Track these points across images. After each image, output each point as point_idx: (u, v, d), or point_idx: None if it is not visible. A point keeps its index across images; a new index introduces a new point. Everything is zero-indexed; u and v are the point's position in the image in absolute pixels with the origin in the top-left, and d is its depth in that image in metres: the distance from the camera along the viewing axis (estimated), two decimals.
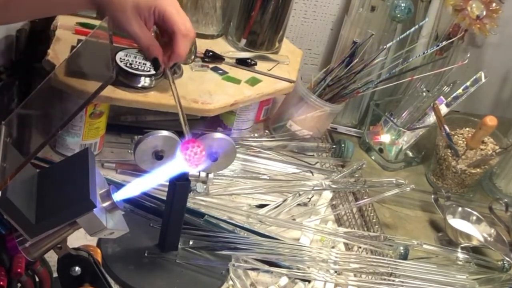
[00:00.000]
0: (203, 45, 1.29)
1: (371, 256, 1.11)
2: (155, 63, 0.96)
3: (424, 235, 1.27)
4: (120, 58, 1.15)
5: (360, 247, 1.15)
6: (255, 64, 1.32)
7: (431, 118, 1.39)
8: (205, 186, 1.15)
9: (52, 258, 0.78)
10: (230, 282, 1.02)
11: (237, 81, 1.26)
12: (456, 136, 1.39)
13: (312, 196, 1.24)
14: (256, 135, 1.35)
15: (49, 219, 0.72)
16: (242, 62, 1.31)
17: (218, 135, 0.95)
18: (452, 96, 1.38)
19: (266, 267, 1.04)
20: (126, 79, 1.13)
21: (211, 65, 1.28)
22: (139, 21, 0.93)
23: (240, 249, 1.04)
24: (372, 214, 1.24)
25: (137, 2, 0.92)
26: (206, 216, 1.09)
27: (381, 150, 1.44)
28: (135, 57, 1.16)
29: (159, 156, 0.94)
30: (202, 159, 0.89)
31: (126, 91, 1.13)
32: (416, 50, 1.43)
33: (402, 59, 1.40)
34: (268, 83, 1.29)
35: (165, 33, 0.98)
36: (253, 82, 1.28)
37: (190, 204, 1.08)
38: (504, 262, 1.20)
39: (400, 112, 1.42)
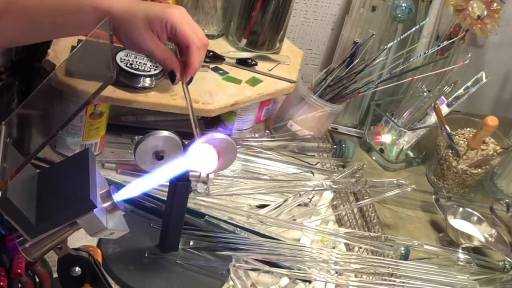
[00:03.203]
0: None
1: (372, 257, 1.11)
2: (172, 76, 0.96)
3: (425, 235, 1.27)
4: (121, 58, 1.15)
5: (361, 248, 1.15)
6: (256, 64, 1.32)
7: (432, 118, 1.39)
8: (205, 187, 1.14)
9: (52, 258, 0.78)
10: (231, 283, 1.02)
11: (237, 81, 1.26)
12: (457, 136, 1.39)
13: (313, 197, 1.24)
14: (256, 135, 1.34)
15: (50, 219, 0.72)
16: (242, 62, 1.31)
17: (219, 135, 0.95)
18: (453, 96, 1.38)
19: (267, 268, 1.04)
20: (126, 79, 1.13)
21: (211, 65, 1.28)
22: (152, 36, 0.92)
23: (241, 250, 1.04)
24: (373, 214, 1.24)
25: (147, 16, 0.91)
26: (206, 216, 1.09)
27: (382, 150, 1.43)
28: (136, 57, 1.16)
29: (159, 156, 0.93)
30: (215, 160, 0.90)
31: (126, 91, 1.13)
32: (417, 50, 1.43)
33: (403, 59, 1.40)
34: (269, 83, 1.29)
35: (178, 45, 0.97)
36: (253, 82, 1.27)
37: (190, 204, 1.08)
38: (505, 263, 1.19)
39: (401, 112, 1.42)
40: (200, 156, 0.90)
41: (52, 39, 1.10)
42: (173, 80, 0.96)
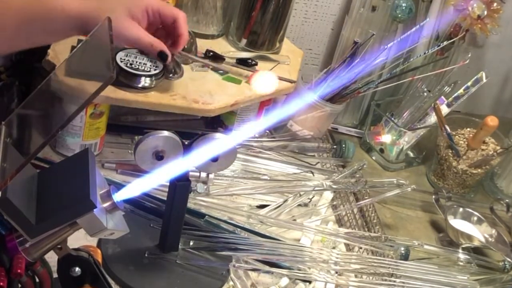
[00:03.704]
0: (203, 45, 1.29)
1: (372, 257, 1.11)
2: (162, 56, 0.98)
3: (425, 235, 1.27)
4: (121, 58, 1.15)
5: (361, 248, 1.15)
6: (256, 64, 1.32)
7: (432, 118, 1.39)
8: (205, 187, 1.14)
9: (52, 258, 0.78)
10: (231, 283, 1.02)
11: (237, 81, 1.26)
12: (457, 136, 1.39)
13: (313, 197, 1.24)
14: (256, 135, 1.34)
15: (49, 219, 0.71)
16: (242, 62, 1.31)
17: (219, 135, 0.95)
18: (453, 96, 1.38)
19: (267, 268, 1.04)
20: (126, 79, 1.13)
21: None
22: (135, 24, 0.96)
23: (241, 250, 1.04)
24: (373, 214, 1.24)
25: (128, 7, 0.96)
26: (206, 216, 1.09)
27: (382, 151, 1.43)
28: (136, 57, 1.16)
29: (159, 157, 0.93)
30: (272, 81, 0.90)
31: (126, 91, 1.13)
32: (417, 50, 1.43)
33: (403, 59, 1.40)
34: None
35: (153, 26, 1.01)
36: None
37: (190, 204, 1.08)
38: (505, 263, 1.19)
39: (401, 112, 1.42)
40: (261, 80, 0.90)
41: (19, 49, 1.07)
42: (165, 59, 1.00)
